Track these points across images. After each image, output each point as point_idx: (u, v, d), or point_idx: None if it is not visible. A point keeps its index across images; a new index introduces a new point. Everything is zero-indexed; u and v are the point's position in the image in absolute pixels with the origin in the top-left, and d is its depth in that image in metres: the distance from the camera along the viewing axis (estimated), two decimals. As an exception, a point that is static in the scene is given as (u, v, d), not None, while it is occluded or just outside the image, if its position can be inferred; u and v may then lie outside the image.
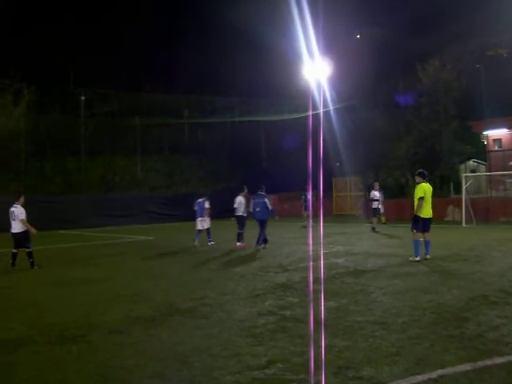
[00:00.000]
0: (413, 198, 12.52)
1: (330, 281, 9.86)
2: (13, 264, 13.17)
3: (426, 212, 12.21)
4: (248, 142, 39.55)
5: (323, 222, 20.61)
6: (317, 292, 8.57)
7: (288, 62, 29.02)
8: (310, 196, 24.16)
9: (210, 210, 17.94)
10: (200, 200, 18.02)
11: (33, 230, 13.32)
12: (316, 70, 25.10)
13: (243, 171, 36.80)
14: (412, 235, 12.50)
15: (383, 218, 24.70)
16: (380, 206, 23.02)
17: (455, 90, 29.82)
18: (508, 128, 30.93)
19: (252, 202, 16.45)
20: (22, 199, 13.50)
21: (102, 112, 35.78)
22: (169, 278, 11.22)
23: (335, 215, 31.87)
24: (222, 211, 25.15)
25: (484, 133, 32.38)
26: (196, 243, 17.56)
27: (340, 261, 12.66)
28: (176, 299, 8.70)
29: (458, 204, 24.29)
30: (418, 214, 12.18)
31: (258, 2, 34.08)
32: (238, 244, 16.48)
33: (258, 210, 16.16)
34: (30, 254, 13.29)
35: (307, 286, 9.25)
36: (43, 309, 8.44)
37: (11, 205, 13.40)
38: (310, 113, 24.37)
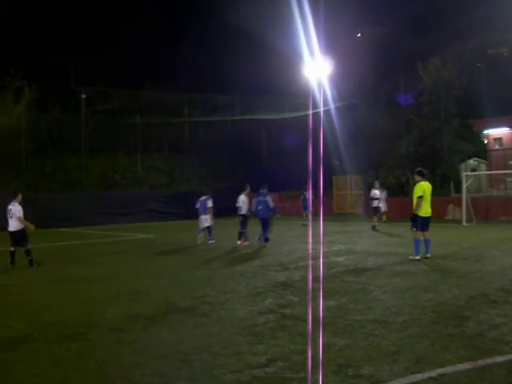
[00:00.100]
0: (412, 197, 12.53)
1: (330, 279, 9.86)
2: (12, 262, 13.16)
3: (425, 211, 12.22)
4: (249, 140, 39.52)
5: (323, 220, 20.58)
6: (317, 290, 8.56)
7: (289, 60, 28.95)
8: (310, 195, 24.16)
9: (213, 208, 18.06)
10: (203, 198, 18.13)
11: (31, 226, 13.33)
12: (317, 69, 25.03)
13: (244, 170, 36.79)
14: (412, 234, 12.50)
15: (384, 217, 24.74)
16: (381, 205, 23.07)
17: (456, 88, 29.81)
18: (509, 127, 30.89)
19: (254, 200, 16.48)
20: (19, 197, 13.49)
21: (103, 110, 35.76)
22: (169, 276, 11.22)
23: (336, 214, 31.87)
24: (222, 210, 25.14)
25: (485, 131, 32.35)
26: (198, 240, 17.73)
27: (340, 259, 12.66)
28: (176, 297, 8.70)
29: (459, 203, 24.29)
30: (416, 213, 12.19)
31: (258, 1, 34.06)
32: (239, 242, 16.46)
33: (260, 208, 16.22)
34: (28, 252, 13.28)
35: (307, 285, 9.24)
36: (43, 307, 8.44)
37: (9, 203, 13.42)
38: (311, 111, 24.33)
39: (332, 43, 25.89)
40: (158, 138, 39.04)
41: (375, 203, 21.85)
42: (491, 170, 29.09)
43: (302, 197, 26.68)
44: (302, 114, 31.80)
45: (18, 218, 13.11)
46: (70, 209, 30.29)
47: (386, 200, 24.93)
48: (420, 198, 12.11)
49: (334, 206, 33.33)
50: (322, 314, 6.89)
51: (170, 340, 6.26)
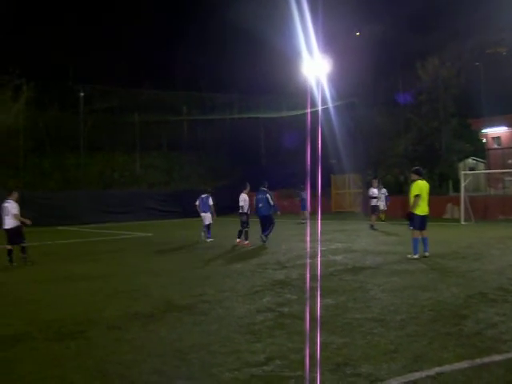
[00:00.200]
0: (409, 196, 12.54)
1: (329, 278, 9.86)
2: (10, 261, 13.15)
3: (422, 209, 12.23)
4: (247, 138, 39.53)
5: (322, 219, 20.60)
6: (315, 289, 8.56)
7: (287, 59, 28.98)
8: (308, 194, 24.18)
9: (215, 206, 18.27)
10: (203, 196, 18.22)
11: (27, 221, 13.36)
12: (315, 68, 25.08)
13: (242, 168, 36.84)
14: (411, 233, 12.52)
15: (382, 215, 24.75)
16: (379, 203, 23.10)
17: (454, 87, 29.84)
18: (507, 126, 30.92)
19: (254, 198, 16.50)
20: (15, 194, 13.50)
21: (101, 108, 35.76)
22: (167, 274, 11.22)
23: (334, 212, 31.87)
24: (221, 208, 25.18)
25: (483, 131, 32.36)
26: (203, 237, 17.94)
27: (338, 258, 12.67)
28: (175, 296, 8.71)
29: (457, 202, 24.30)
30: (414, 212, 12.21)
31: (257, 0, 34.06)
32: (238, 240, 16.41)
33: (260, 205, 16.25)
34: (23, 250, 13.31)
35: (305, 283, 9.26)
36: (41, 305, 8.44)
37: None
38: (309, 110, 24.29)
39: (331, 42, 25.95)
40: (157, 137, 39.03)
41: (373, 202, 21.86)
42: (489, 169, 29.11)
43: (298, 197, 26.71)
44: (301, 112, 31.80)
45: (14, 215, 13.11)
46: (68, 207, 30.31)
47: (386, 199, 24.95)
48: (417, 196, 12.12)
49: (333, 204, 33.33)
50: (320, 313, 6.90)
51: (168, 338, 6.26)
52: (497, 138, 32.02)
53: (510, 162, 28.40)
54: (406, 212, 13.29)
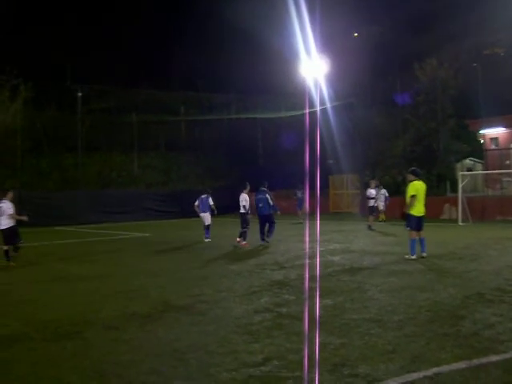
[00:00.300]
0: (405, 196, 12.56)
1: (326, 278, 9.86)
2: (7, 261, 13.13)
3: (418, 210, 12.23)
4: (245, 139, 39.52)
5: (320, 219, 20.60)
6: (313, 289, 8.57)
7: (285, 59, 28.98)
8: (306, 194, 24.19)
9: (215, 206, 18.36)
10: (203, 196, 18.27)
11: (23, 217, 13.36)
12: (313, 68, 25.06)
13: (240, 168, 36.82)
14: (408, 234, 12.52)
15: (382, 216, 24.77)
16: (377, 204, 23.12)
17: (452, 88, 29.88)
18: (505, 127, 30.99)
19: (254, 198, 16.51)
20: (10, 194, 13.48)
21: (99, 108, 35.73)
22: (165, 274, 11.21)
23: (332, 213, 31.88)
24: (219, 208, 25.17)
25: (481, 131, 32.43)
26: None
27: (336, 258, 12.67)
28: (172, 296, 8.70)
29: (455, 202, 24.33)
30: (410, 212, 12.22)
31: (255, 0, 34.03)
32: (238, 239, 16.36)
33: (260, 205, 16.27)
34: (16, 249, 13.36)
35: (303, 284, 9.26)
36: (39, 305, 8.43)
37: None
38: (307, 110, 24.34)
39: (329, 42, 25.94)
40: (155, 137, 38.99)
41: (371, 202, 21.87)
42: (487, 170, 29.15)
43: (294, 196, 26.75)
44: (299, 113, 31.83)
45: (10, 215, 13.10)
46: (66, 207, 30.28)
47: (386, 199, 24.98)
48: (413, 197, 12.14)
49: (331, 205, 33.34)
50: (318, 313, 6.89)
51: (166, 338, 6.25)
52: (494, 139, 32.10)
53: (507, 162, 28.46)
54: (401, 212, 13.31)
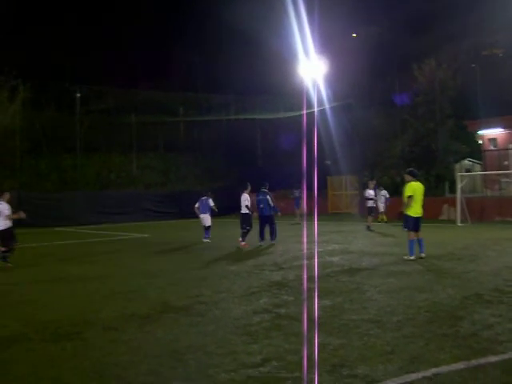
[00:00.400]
0: (402, 197, 12.57)
1: (325, 279, 9.87)
2: (6, 262, 13.13)
3: (415, 211, 12.24)
4: (244, 139, 39.52)
5: (318, 220, 20.60)
6: (311, 290, 8.58)
7: (284, 60, 28.97)
8: (302, 193, 24.23)
9: (216, 207, 18.47)
10: (203, 198, 18.31)
11: (21, 214, 13.36)
12: (312, 69, 25.08)
13: (239, 169, 36.82)
14: (407, 235, 12.53)
15: (384, 217, 24.77)
16: (377, 205, 23.15)
17: (451, 89, 29.92)
18: (503, 127, 30.97)
19: (255, 199, 16.53)
20: (6, 195, 13.44)
21: (98, 109, 35.74)
22: (164, 275, 11.22)
23: (330, 214, 31.90)
24: (219, 209, 25.18)
25: (479, 132, 32.41)
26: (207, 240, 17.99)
27: (335, 259, 12.68)
28: (171, 297, 8.70)
29: (453, 203, 24.34)
30: (407, 213, 12.23)
31: (253, 0, 34.05)
32: (240, 239, 16.34)
33: (261, 206, 16.32)
34: (11, 250, 13.31)
35: (302, 284, 9.26)
36: (38, 306, 8.43)
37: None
38: (305, 111, 24.35)
39: (327, 43, 25.95)
40: (153, 138, 39.02)
41: (370, 203, 21.88)
42: (486, 171, 29.16)
43: (291, 195, 26.77)
44: (297, 113, 31.81)
45: (7, 216, 13.08)
46: (65, 208, 30.28)
47: (387, 200, 24.99)
48: (410, 197, 12.15)
49: (329, 205, 33.36)
50: (317, 314, 6.90)
51: (165, 339, 6.26)
52: (493, 140, 32.08)
53: (506, 163, 28.46)
54: (398, 212, 13.32)
